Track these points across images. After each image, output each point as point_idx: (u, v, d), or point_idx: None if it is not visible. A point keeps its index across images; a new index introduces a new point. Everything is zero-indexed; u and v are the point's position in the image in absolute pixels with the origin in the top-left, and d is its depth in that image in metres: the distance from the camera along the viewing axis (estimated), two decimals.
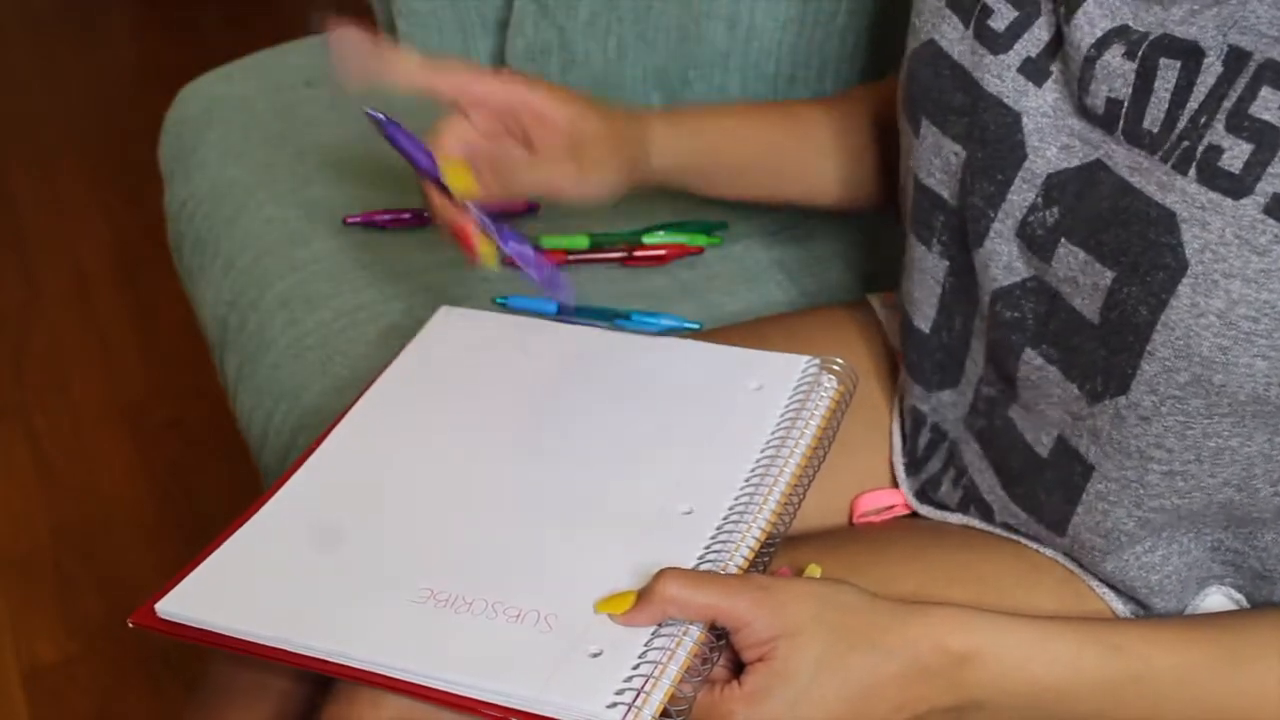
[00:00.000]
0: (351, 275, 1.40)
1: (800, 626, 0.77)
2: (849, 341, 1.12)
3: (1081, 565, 0.93)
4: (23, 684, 1.91)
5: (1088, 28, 0.82)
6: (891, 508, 1.05)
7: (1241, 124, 0.74)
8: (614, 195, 1.04)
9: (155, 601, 0.86)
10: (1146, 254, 0.78)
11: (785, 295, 1.36)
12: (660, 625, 0.79)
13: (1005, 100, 0.86)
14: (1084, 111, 0.83)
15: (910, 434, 1.04)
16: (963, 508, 0.99)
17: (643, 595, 0.79)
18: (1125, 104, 0.80)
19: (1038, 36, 0.86)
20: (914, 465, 1.04)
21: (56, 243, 2.70)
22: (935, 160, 0.92)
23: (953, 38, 0.90)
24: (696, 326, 1.28)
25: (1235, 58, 0.75)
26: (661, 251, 1.38)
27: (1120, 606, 0.92)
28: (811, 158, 1.15)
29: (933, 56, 0.91)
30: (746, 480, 0.90)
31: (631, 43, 1.49)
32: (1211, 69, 0.76)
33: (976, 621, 0.81)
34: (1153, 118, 0.79)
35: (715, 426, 0.95)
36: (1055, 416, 0.89)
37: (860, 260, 1.39)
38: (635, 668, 0.77)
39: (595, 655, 0.78)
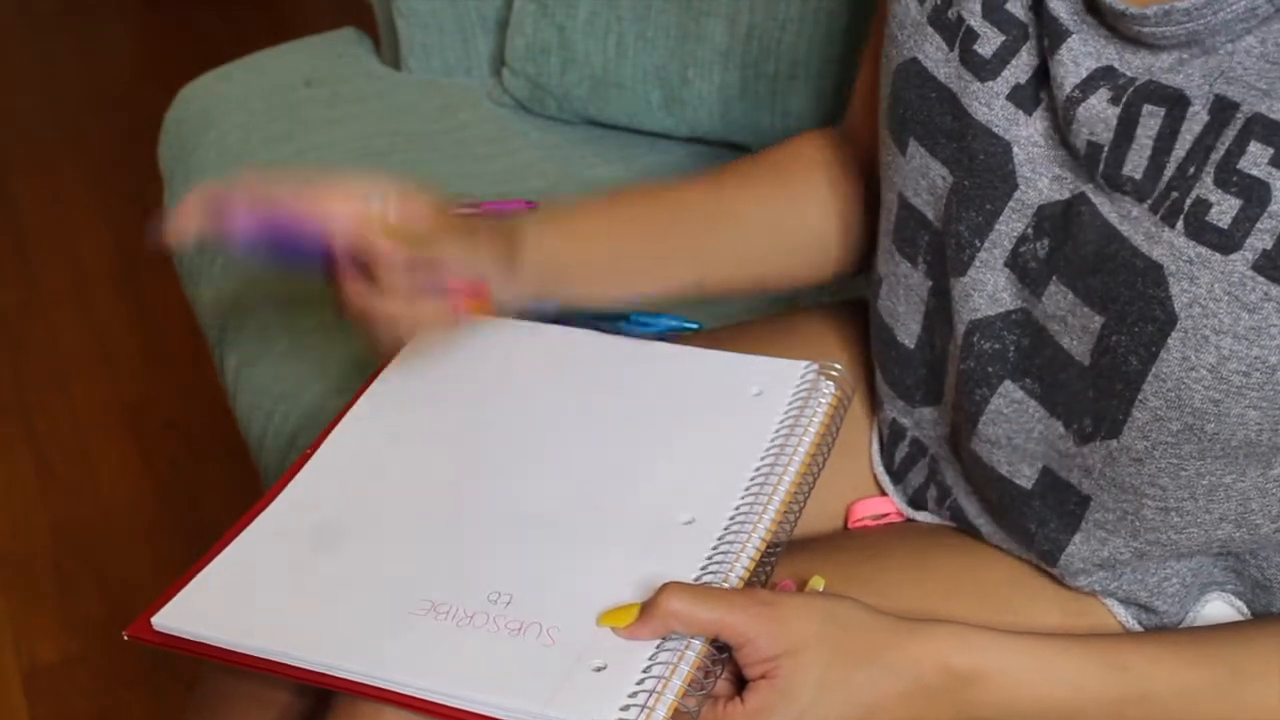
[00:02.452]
0: None
1: (803, 644, 0.77)
2: (844, 341, 1.11)
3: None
4: (23, 684, 1.91)
5: (1071, 65, 0.80)
6: (887, 515, 1.04)
7: (1230, 178, 0.73)
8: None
9: (150, 614, 0.85)
10: (1134, 304, 0.77)
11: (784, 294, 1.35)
12: (663, 639, 0.78)
13: (994, 129, 0.85)
14: (1069, 146, 0.82)
15: (888, 445, 1.03)
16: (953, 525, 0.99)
17: (646, 609, 0.78)
18: (1105, 149, 0.78)
19: (1026, 63, 0.84)
20: (895, 475, 1.04)
21: (56, 243, 2.69)
22: (922, 181, 0.91)
23: (937, 59, 0.88)
24: (696, 327, 1.27)
25: (1221, 108, 0.74)
26: None
27: (1123, 611, 0.92)
28: (728, 244, 1.08)
29: (917, 76, 0.89)
30: (746, 489, 0.89)
31: (631, 42, 1.49)
32: (1197, 118, 0.75)
33: (980, 640, 0.81)
34: (1134, 164, 0.77)
35: (715, 434, 0.95)
36: (1038, 450, 0.88)
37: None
38: (639, 682, 0.76)
39: (599, 670, 0.77)
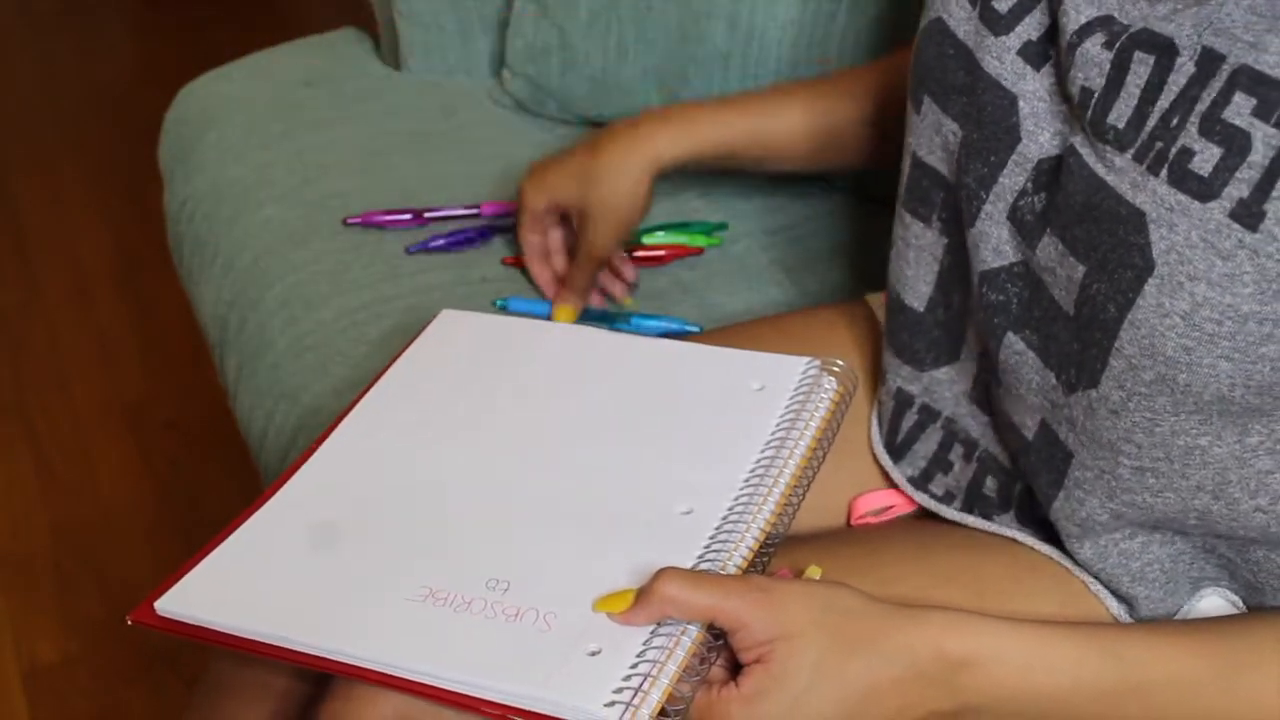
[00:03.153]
0: (351, 275, 1.40)
1: (799, 629, 0.77)
2: (844, 341, 1.12)
3: (1064, 552, 0.93)
4: (23, 684, 1.91)
5: (1074, 14, 0.82)
6: (890, 508, 1.04)
7: (1213, 128, 0.74)
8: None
9: (154, 599, 0.86)
10: (1115, 252, 0.78)
11: (785, 295, 1.36)
12: (658, 624, 0.79)
13: (1003, 82, 0.87)
14: (1067, 98, 0.83)
15: (893, 418, 1.04)
16: (976, 485, 0.99)
17: (641, 594, 0.79)
18: (1095, 95, 0.80)
19: (1039, 20, 0.86)
20: (898, 450, 1.04)
21: (56, 243, 2.70)
22: (935, 138, 0.92)
23: (960, 17, 0.90)
24: (696, 329, 1.27)
25: (1208, 59, 0.75)
26: (661, 252, 1.37)
27: (1115, 605, 0.92)
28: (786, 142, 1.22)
29: (939, 34, 0.91)
30: (746, 481, 0.90)
31: (631, 43, 1.49)
32: (1184, 69, 0.76)
33: (976, 627, 0.81)
34: (1119, 113, 0.79)
35: (715, 427, 0.95)
36: (1035, 402, 0.89)
37: (860, 259, 1.39)
38: (633, 667, 0.77)
39: (594, 654, 0.78)
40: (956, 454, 1.00)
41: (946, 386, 0.99)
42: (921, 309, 0.98)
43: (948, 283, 0.96)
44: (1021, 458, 0.92)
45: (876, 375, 1.10)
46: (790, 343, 1.09)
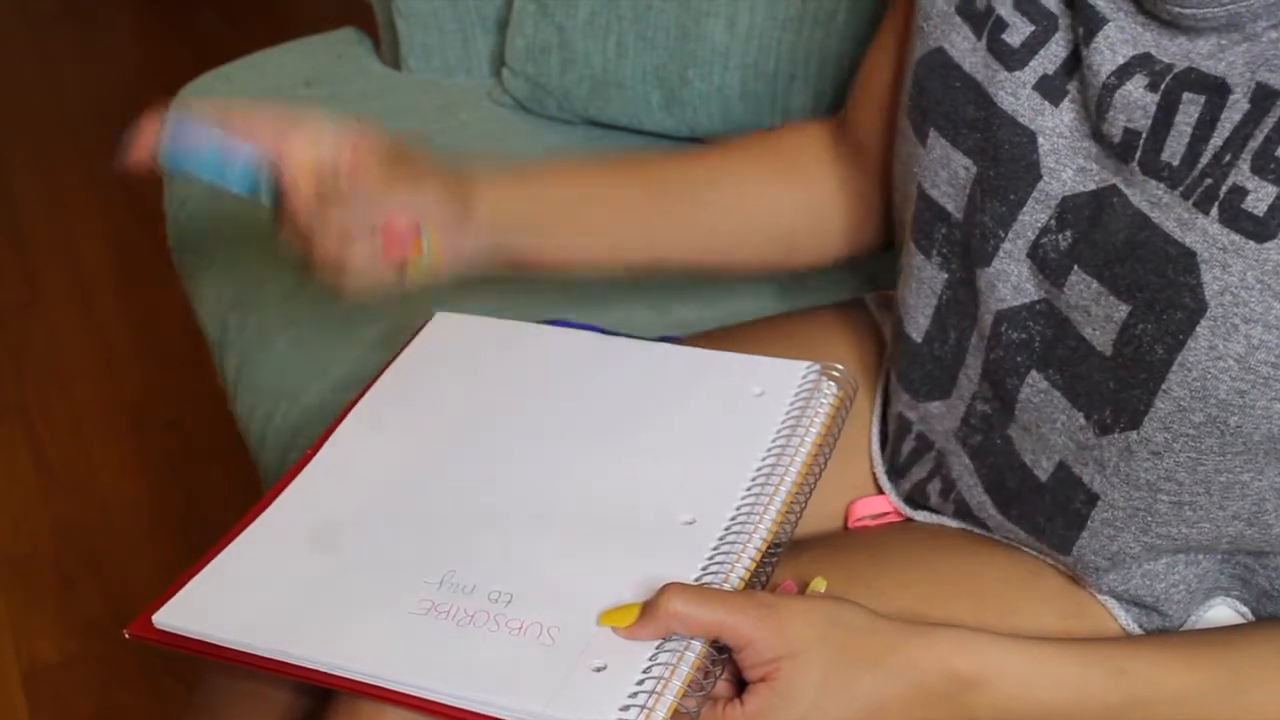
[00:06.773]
0: None
1: (804, 646, 0.77)
2: (842, 344, 1.11)
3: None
4: (23, 684, 1.91)
5: (1108, 53, 0.80)
6: (886, 514, 1.04)
7: (1267, 165, 0.72)
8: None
9: (151, 613, 0.85)
10: (1164, 292, 0.76)
11: (787, 294, 1.35)
12: (664, 640, 0.78)
13: (1020, 119, 0.85)
14: (1100, 136, 0.81)
15: (894, 439, 1.03)
16: (956, 518, 0.99)
17: (646, 610, 0.78)
18: (1143, 135, 0.78)
19: (1054, 53, 0.84)
20: (896, 471, 1.04)
21: (56, 243, 2.70)
22: (942, 172, 0.91)
23: (964, 48, 0.88)
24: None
25: (1263, 96, 0.73)
26: None
27: (1123, 614, 0.92)
28: (708, 216, 1.08)
29: (942, 66, 0.89)
30: (748, 489, 0.89)
31: (631, 42, 1.48)
32: (1237, 106, 0.74)
33: (981, 643, 0.81)
34: (1172, 150, 0.77)
35: (716, 434, 0.95)
36: (1058, 442, 0.88)
37: (863, 258, 1.38)
38: (639, 683, 0.76)
39: (599, 669, 0.77)
40: (935, 488, 0.99)
41: (938, 421, 0.98)
42: (919, 340, 0.97)
43: (944, 318, 0.95)
44: (1034, 498, 0.91)
45: (874, 378, 1.09)
46: (789, 344, 1.08)
